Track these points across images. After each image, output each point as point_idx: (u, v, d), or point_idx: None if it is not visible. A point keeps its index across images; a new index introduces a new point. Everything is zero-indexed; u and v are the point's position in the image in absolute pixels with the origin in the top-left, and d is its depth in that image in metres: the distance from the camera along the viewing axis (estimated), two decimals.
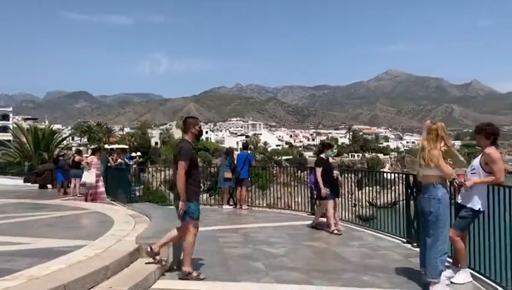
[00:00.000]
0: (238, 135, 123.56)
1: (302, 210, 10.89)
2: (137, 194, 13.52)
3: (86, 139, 78.15)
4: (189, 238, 4.97)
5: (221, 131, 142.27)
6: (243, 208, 11.42)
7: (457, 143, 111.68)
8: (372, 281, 4.95)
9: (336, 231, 7.90)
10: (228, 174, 11.64)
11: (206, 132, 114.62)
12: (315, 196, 8.73)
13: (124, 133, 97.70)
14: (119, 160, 15.37)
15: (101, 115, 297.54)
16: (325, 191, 8.00)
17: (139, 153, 25.15)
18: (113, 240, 5.81)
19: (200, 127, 5.26)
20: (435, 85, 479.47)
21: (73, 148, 32.78)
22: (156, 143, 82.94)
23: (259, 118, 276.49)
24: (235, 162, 11.75)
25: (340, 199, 9.71)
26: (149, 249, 5.01)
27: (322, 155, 8.42)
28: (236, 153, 12.87)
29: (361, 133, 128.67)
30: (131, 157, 18.38)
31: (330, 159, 8.63)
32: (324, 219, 8.35)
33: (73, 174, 14.50)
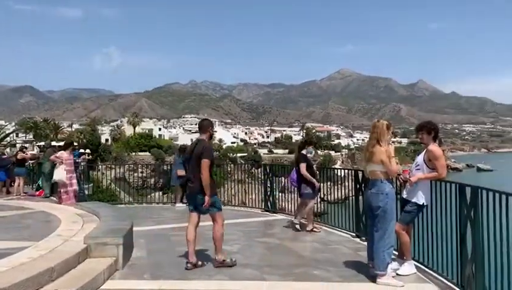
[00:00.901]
0: (193, 132, 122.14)
1: (257, 207, 10.96)
2: (86, 192, 13.06)
3: (31, 136, 74.40)
4: (220, 229, 5.56)
5: (175, 128, 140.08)
6: None
7: (404, 141, 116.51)
8: (322, 275, 5.07)
9: (315, 229, 7.77)
10: (181, 172, 11.48)
11: (160, 129, 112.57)
12: (300, 194, 8.13)
13: (73, 129, 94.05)
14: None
15: (48, 111, 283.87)
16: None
17: (88, 151, 24.33)
18: (59, 241, 5.58)
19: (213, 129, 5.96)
20: (383, 85, 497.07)
21: (18, 146, 31.13)
22: (107, 140, 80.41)
23: (214, 115, 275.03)
24: None
25: (294, 196, 9.89)
26: (218, 263, 5.42)
27: (303, 151, 8.23)
28: None
29: (314, 131, 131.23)
30: (80, 155, 17.72)
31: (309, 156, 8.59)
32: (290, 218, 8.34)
33: (16, 172, 13.77)
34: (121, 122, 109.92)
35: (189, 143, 17.79)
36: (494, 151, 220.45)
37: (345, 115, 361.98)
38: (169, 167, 14.26)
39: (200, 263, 5.46)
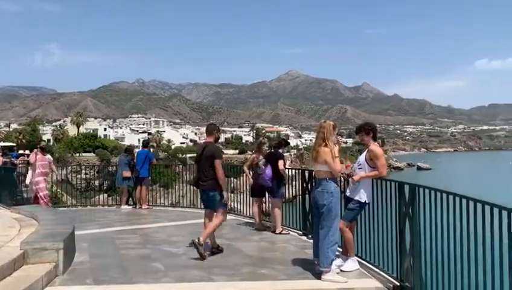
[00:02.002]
0: (140, 132, 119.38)
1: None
2: (25, 195, 12.36)
3: None
4: (217, 221, 6.05)
5: (121, 128, 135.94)
6: (143, 207, 11.06)
7: (350, 141, 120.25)
8: (269, 274, 5.12)
9: (284, 231, 7.52)
10: (127, 173, 11.20)
11: (105, 129, 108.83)
12: (273, 194, 7.77)
13: (11, 129, 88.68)
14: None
15: None
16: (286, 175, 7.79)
17: (28, 152, 23.05)
18: None
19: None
20: (330, 87, 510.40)
21: None
22: (48, 140, 76.61)
23: (162, 114, 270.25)
24: (135, 160, 11.34)
25: (244, 195, 9.91)
26: (196, 241, 5.72)
27: (280, 150, 8.10)
28: (136, 150, 12.42)
29: (264, 131, 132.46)
30: (18, 156, 16.77)
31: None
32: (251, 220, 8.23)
33: None
34: (64, 122, 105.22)
35: (136, 143, 17.37)
36: (433, 151, 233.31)
37: (294, 116, 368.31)
38: (114, 168, 13.83)
39: (214, 249, 6.09)
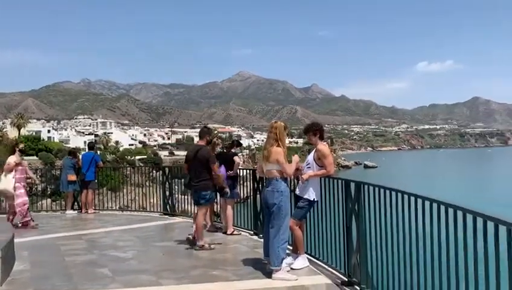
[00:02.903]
0: (86, 134, 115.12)
1: (157, 211, 10.69)
2: None
3: None
4: (201, 219, 6.48)
5: (66, 130, 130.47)
6: (89, 212, 10.67)
7: (300, 141, 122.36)
8: (220, 275, 5.09)
9: (235, 232, 7.51)
10: (72, 177, 10.74)
11: (49, 131, 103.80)
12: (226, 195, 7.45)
13: None
14: None
15: None
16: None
17: None
18: None
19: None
20: (281, 88, 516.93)
21: None
22: None
23: (110, 115, 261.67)
24: (80, 163, 10.91)
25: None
26: (198, 248, 6.31)
27: (232, 150, 8.05)
28: (82, 153, 11.95)
29: (216, 132, 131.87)
30: None
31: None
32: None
33: None
34: (3, 123, 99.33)
35: (81, 146, 16.70)
36: (378, 149, 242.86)
37: (246, 116, 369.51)
38: (59, 172, 13.22)
39: (207, 245, 6.40)
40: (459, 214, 3.02)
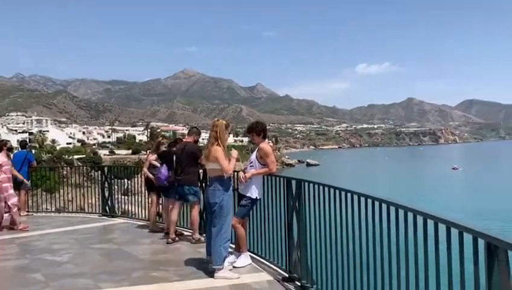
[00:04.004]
0: (19, 132, 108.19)
1: (95, 212, 10.28)
2: None
3: None
4: (196, 214, 6.67)
5: None
6: (22, 214, 10.02)
7: (245, 139, 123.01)
8: (161, 276, 5.00)
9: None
10: None
11: None
12: (169, 194, 7.46)
13: None
14: None
15: None
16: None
17: None
18: None
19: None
20: (226, 86, 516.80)
21: None
22: None
23: (45, 113, 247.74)
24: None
25: (138, 198, 9.55)
26: (195, 241, 6.66)
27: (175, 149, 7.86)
28: (14, 152, 11.23)
29: (159, 130, 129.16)
30: None
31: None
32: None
33: None
34: None
35: (14, 145, 15.63)
36: (320, 148, 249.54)
37: (190, 115, 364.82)
38: None
39: (177, 239, 6.77)
40: (392, 209, 3.16)
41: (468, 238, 2.33)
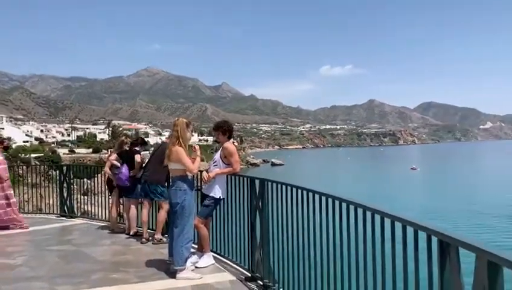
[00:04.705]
0: None
1: (54, 213, 9.94)
2: None
3: None
4: (164, 213, 6.48)
5: None
6: None
7: (210, 139, 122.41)
8: (121, 278, 4.89)
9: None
10: None
11: None
12: (130, 194, 7.33)
13: None
14: None
15: None
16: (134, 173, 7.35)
17: None
18: None
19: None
20: (191, 85, 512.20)
21: None
22: None
23: (1, 110, 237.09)
24: None
25: (99, 198, 9.31)
26: (156, 241, 6.48)
27: (137, 148, 7.56)
28: None
29: (121, 129, 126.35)
30: None
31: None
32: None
33: None
34: None
35: None
36: (285, 148, 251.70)
37: (154, 113, 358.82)
38: None
39: (151, 238, 6.65)
40: (351, 208, 3.23)
41: (423, 236, 2.41)
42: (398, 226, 2.62)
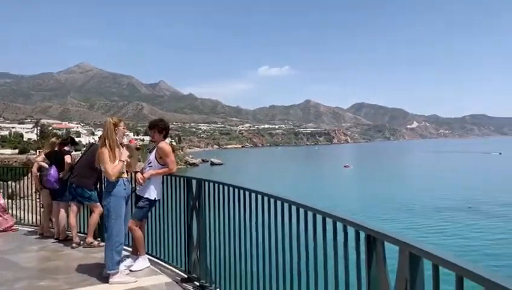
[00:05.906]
0: None
1: None
2: None
3: None
4: (96, 217, 6.32)
5: None
6: None
7: (147, 138, 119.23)
8: (49, 285, 4.63)
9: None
10: None
11: None
12: (59, 197, 6.99)
13: None
14: None
15: None
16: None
17: None
18: None
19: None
20: (126, 82, 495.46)
21: None
22: None
23: None
24: None
25: (26, 201, 8.76)
26: (86, 244, 6.23)
27: (66, 148, 7.17)
28: None
29: (50, 128, 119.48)
30: None
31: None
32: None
33: None
34: None
35: None
36: (224, 147, 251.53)
37: (86, 112, 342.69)
38: None
39: (82, 242, 6.40)
40: (286, 205, 3.30)
41: (351, 231, 2.52)
42: (329, 222, 2.72)
